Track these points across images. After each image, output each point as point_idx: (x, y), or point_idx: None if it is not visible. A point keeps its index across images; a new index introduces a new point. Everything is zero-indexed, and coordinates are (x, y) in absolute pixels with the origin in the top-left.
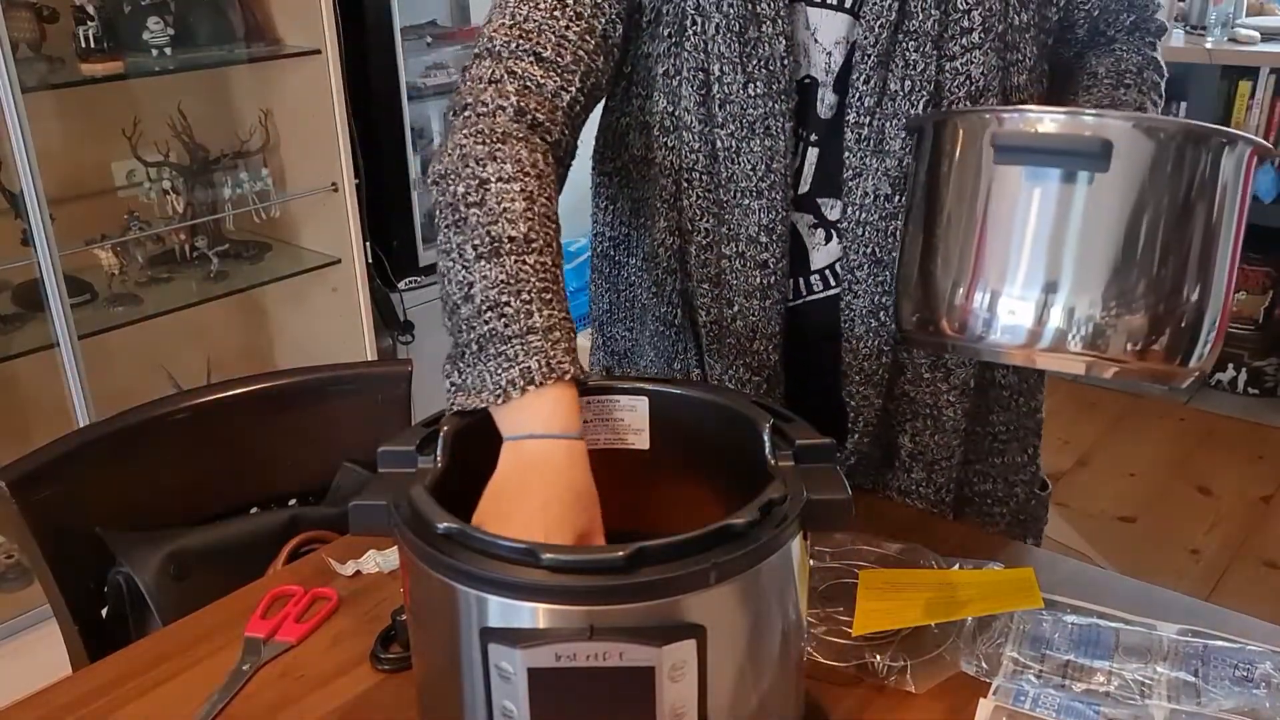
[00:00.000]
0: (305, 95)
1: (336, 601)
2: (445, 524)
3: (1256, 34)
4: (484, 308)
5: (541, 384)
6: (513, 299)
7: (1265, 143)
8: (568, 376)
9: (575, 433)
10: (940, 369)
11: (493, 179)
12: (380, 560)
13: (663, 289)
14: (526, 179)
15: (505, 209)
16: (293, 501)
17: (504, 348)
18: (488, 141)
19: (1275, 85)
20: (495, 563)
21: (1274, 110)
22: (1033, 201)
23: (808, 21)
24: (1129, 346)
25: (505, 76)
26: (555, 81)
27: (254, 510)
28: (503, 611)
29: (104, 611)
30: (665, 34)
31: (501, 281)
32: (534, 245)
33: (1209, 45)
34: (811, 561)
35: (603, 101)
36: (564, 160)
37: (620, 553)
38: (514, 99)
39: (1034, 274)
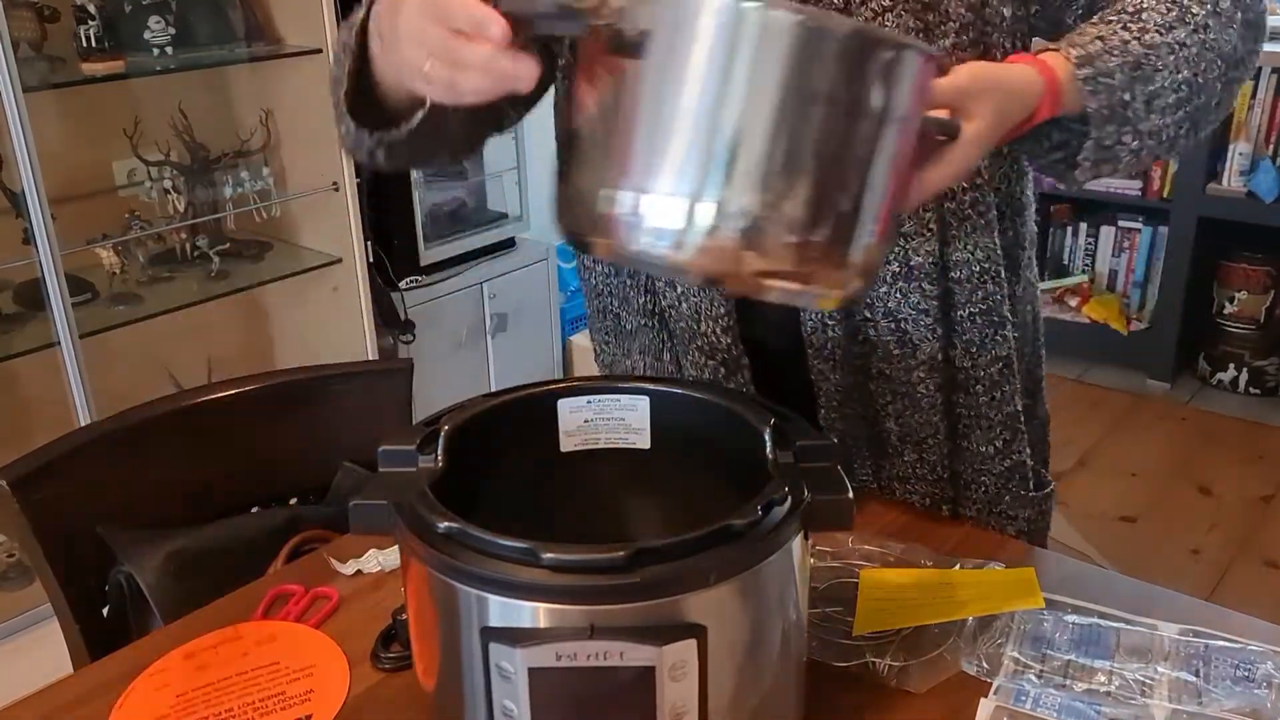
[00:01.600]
0: (306, 94)
1: (337, 601)
2: (446, 524)
3: None
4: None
5: None
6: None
7: (931, 50)
8: None
9: None
10: (907, 344)
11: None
12: (381, 559)
13: (636, 277)
14: None
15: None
16: (293, 500)
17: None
18: None
19: (1277, 85)
20: (496, 562)
21: (1275, 110)
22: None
23: None
24: (770, 238)
25: None
26: None
27: (254, 509)
28: (503, 611)
29: (105, 610)
30: None
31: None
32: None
33: None
34: (812, 561)
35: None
36: None
37: (621, 552)
38: None
39: (673, 163)
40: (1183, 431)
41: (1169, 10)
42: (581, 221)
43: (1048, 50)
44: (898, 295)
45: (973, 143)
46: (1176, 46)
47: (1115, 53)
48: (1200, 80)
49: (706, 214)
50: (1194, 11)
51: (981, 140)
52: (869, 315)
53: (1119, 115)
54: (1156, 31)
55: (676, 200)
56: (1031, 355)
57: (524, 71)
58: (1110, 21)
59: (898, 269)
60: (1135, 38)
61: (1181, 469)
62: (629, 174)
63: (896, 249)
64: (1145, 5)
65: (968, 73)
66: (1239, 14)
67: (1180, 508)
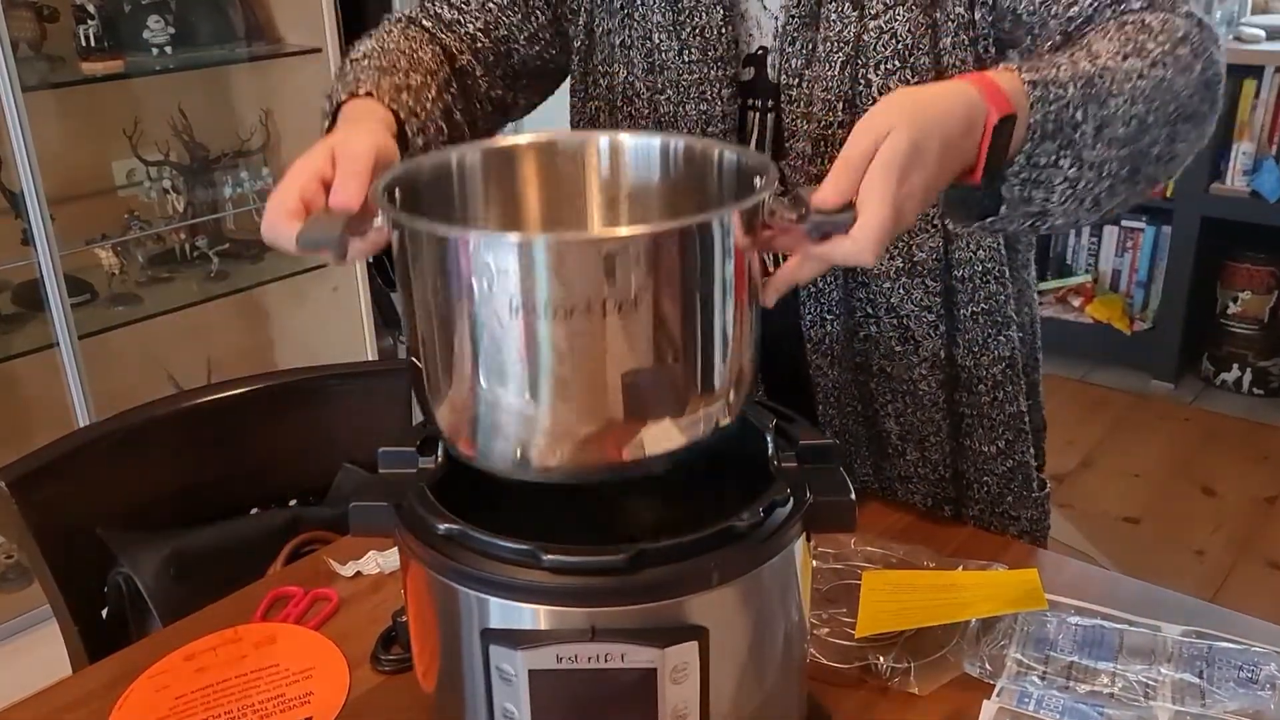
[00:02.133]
0: (306, 94)
1: (337, 602)
2: (446, 525)
3: (1261, 32)
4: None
5: (349, 95)
6: (343, 77)
7: (752, 199)
8: (359, 91)
9: (360, 118)
10: (909, 341)
11: (366, 40)
12: (381, 561)
13: None
14: (385, 35)
15: (358, 47)
16: (293, 502)
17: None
18: (379, 29)
19: None
20: (496, 564)
21: (1279, 110)
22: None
23: None
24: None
25: (416, 10)
26: (451, 14)
27: (254, 511)
28: (504, 613)
29: (104, 612)
30: (618, 6)
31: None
32: (367, 57)
33: None
34: (814, 563)
35: (566, 82)
36: (467, 74)
37: (622, 554)
38: (411, 15)
39: (513, 381)
40: (1186, 432)
41: (1125, 42)
42: (447, 423)
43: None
44: (900, 291)
45: (883, 167)
46: (1133, 75)
47: (1064, 67)
48: (1151, 118)
49: (552, 420)
50: (1149, 47)
51: (893, 164)
52: (871, 311)
53: (1065, 134)
54: (1109, 58)
55: (523, 410)
56: (1028, 358)
57: (371, 248)
58: (1061, 52)
59: (901, 264)
60: (1087, 61)
61: (1185, 470)
62: (475, 389)
63: (900, 243)
64: (1095, 40)
65: (884, 99)
66: (1198, 65)
67: (1184, 509)
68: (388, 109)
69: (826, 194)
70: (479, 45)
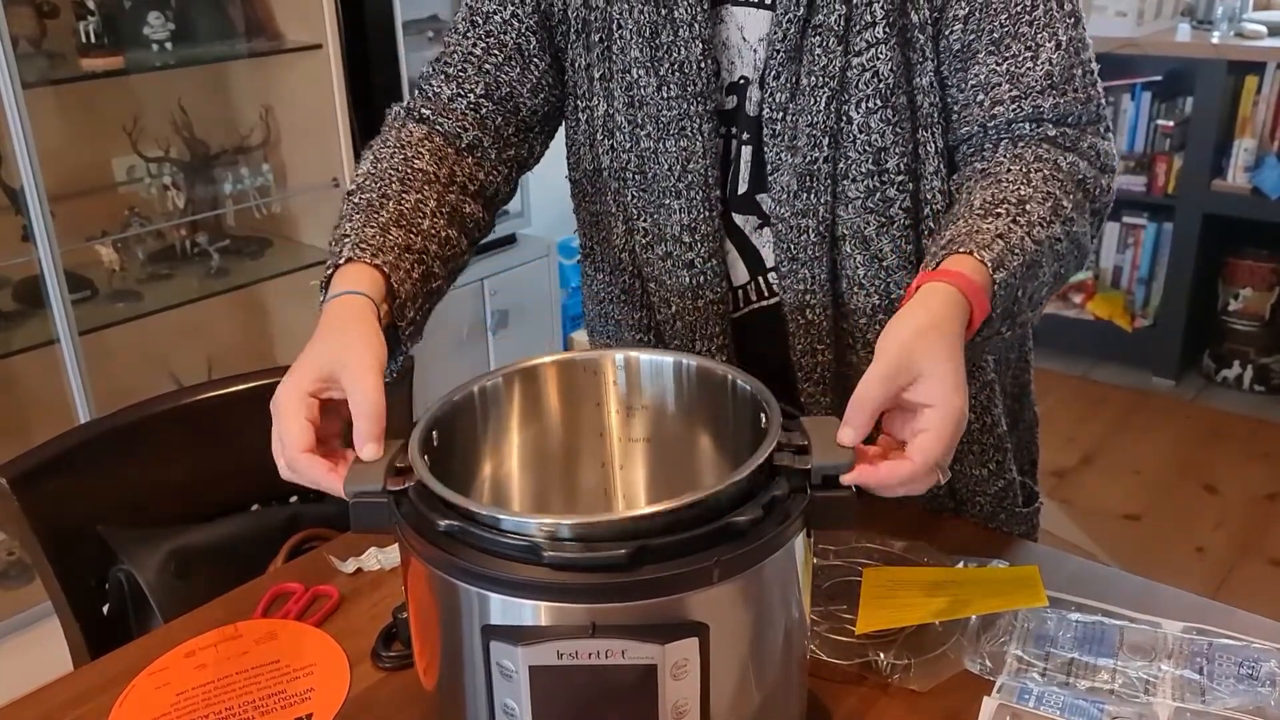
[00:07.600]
0: (306, 90)
1: (337, 599)
2: (446, 522)
3: (1263, 29)
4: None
5: (334, 266)
6: (338, 227)
7: (751, 464)
8: (342, 260)
9: (354, 289)
10: None
11: (364, 159)
12: (381, 557)
13: (631, 294)
14: (382, 147)
15: (356, 173)
16: (293, 498)
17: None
18: (379, 137)
19: None
20: (497, 560)
21: None
22: None
23: (738, 22)
24: None
25: (415, 95)
26: (450, 89)
27: (255, 507)
28: (504, 609)
29: (105, 609)
30: (597, 40)
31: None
32: (360, 189)
33: (1215, 40)
34: (815, 559)
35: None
36: (475, 149)
37: (622, 550)
38: (410, 105)
39: None
40: (1187, 429)
41: (1044, 201)
42: None
43: (954, 255)
44: (877, 327)
45: (944, 402)
46: (1053, 242)
47: (1015, 251)
48: (1063, 272)
49: None
50: (1064, 205)
51: (955, 388)
52: (850, 342)
53: (1010, 311)
54: (1040, 225)
55: None
56: (1019, 361)
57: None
58: (999, 215)
59: (878, 301)
60: (1026, 233)
61: (1186, 467)
62: None
63: (878, 281)
64: (1026, 196)
65: (895, 344)
66: (1088, 204)
67: (1185, 505)
68: (375, 270)
69: (845, 436)
70: (484, 112)
